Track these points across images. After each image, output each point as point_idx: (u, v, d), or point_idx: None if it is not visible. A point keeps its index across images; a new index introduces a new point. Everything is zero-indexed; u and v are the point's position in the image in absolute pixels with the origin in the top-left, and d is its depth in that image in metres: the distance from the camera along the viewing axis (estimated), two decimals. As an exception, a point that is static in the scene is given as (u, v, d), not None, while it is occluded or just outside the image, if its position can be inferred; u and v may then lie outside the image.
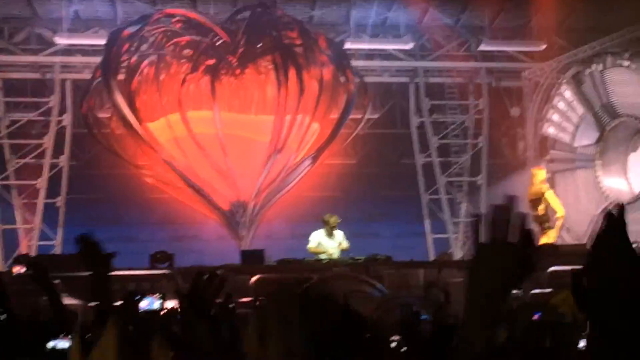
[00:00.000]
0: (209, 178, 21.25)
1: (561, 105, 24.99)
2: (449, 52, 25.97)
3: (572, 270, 2.12)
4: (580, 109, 24.42)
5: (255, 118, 21.59)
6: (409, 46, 25.18)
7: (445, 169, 25.96)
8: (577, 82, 24.39)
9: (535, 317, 7.23)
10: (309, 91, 20.89)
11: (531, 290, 15.73)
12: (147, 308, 9.43)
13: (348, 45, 24.12)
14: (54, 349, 2.21)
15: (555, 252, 19.23)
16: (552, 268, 16.88)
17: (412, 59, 25.75)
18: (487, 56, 26.00)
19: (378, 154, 26.27)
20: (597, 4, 23.18)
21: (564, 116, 24.97)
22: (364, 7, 24.44)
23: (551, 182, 24.92)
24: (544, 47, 25.03)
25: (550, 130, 25.35)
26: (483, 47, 25.36)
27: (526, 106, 26.12)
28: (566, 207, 24.30)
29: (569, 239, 23.72)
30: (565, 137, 24.99)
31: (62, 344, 2.34)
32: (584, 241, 23.07)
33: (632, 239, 2.09)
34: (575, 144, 24.69)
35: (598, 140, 23.95)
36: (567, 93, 24.75)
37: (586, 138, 24.32)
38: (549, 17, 24.72)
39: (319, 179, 22.62)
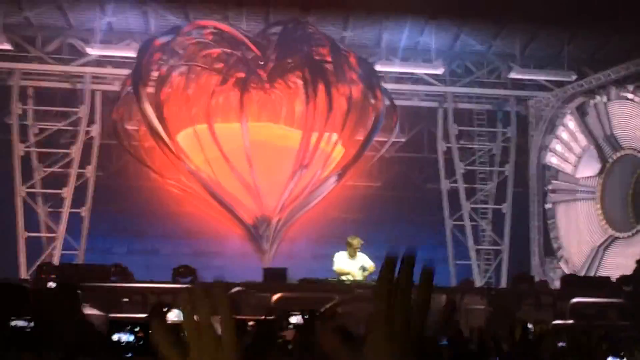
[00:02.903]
0: (234, 191, 21.22)
1: (564, 135, 25.01)
2: (479, 79, 25.96)
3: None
4: (583, 140, 24.45)
5: (283, 128, 21.56)
6: (439, 71, 25.14)
7: (470, 196, 25.87)
8: (581, 113, 24.43)
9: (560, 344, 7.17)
10: (337, 108, 20.84)
11: (553, 320, 15.62)
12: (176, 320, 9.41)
13: (378, 68, 24.05)
14: (118, 341, 2.19)
15: (578, 283, 19.13)
16: (575, 299, 16.78)
17: (442, 84, 25.72)
18: (517, 84, 25.96)
19: (403, 177, 26.20)
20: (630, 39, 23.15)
21: (566, 147, 24.96)
22: (395, 31, 24.41)
23: (552, 212, 24.91)
24: (574, 77, 24.81)
25: (553, 160, 25.31)
26: (513, 75, 25.31)
27: (530, 135, 25.97)
28: (566, 238, 24.28)
29: (567, 271, 23.71)
30: (568, 168, 24.98)
31: (127, 337, 2.33)
32: (582, 273, 23.04)
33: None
34: (577, 175, 24.68)
35: (600, 173, 23.97)
36: (571, 124, 24.80)
37: (588, 170, 24.34)
38: (581, 47, 24.67)
39: (343, 200, 22.56)
